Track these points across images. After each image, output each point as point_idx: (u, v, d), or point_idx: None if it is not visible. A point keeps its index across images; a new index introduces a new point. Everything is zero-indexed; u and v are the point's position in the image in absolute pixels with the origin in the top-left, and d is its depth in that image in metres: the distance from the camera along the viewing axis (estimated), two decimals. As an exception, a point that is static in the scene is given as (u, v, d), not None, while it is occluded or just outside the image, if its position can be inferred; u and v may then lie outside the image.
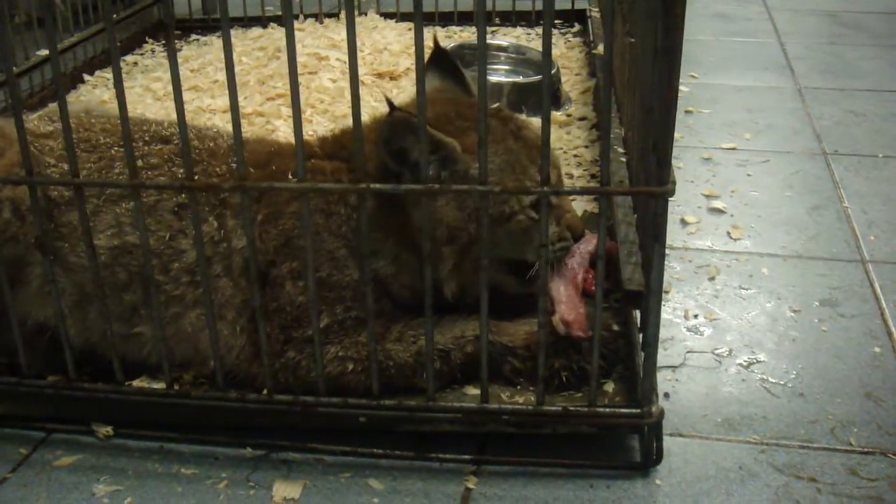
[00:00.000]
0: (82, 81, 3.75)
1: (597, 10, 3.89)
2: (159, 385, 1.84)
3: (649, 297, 1.61)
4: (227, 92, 3.58)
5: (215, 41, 4.23)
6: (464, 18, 4.33)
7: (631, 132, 2.32)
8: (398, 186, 1.67)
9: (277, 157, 1.90)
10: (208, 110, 3.25)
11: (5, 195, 1.82)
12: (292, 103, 1.51)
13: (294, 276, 1.79)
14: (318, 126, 3.06)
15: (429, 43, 1.68)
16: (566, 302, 1.82)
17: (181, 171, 1.80)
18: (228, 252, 1.81)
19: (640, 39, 2.06)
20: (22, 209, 1.82)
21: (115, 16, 3.88)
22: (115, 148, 1.89)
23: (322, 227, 1.81)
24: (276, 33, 4.15)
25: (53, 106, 2.40)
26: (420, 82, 1.47)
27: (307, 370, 1.79)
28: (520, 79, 3.37)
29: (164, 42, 4.32)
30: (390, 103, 1.67)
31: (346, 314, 1.80)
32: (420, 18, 1.41)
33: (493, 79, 3.25)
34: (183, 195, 1.82)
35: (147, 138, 1.92)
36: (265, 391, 1.77)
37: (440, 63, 2.03)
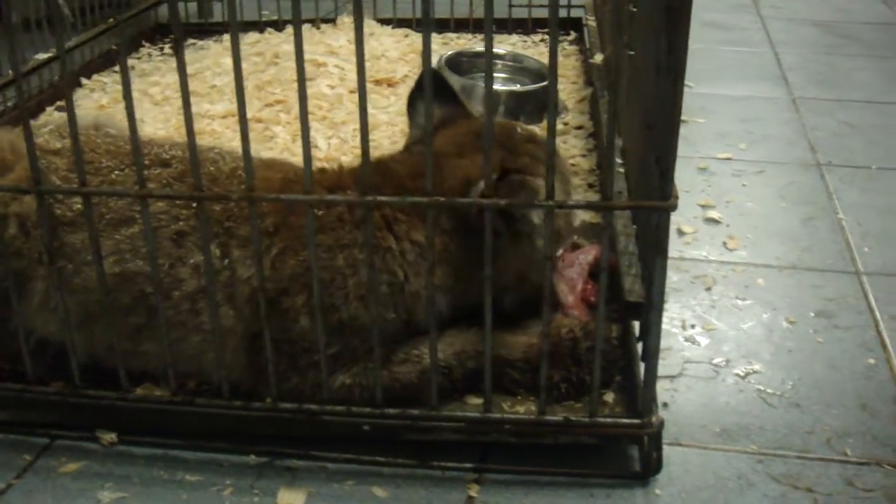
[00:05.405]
0: (79, 86, 3.74)
1: (593, 19, 3.90)
2: (163, 393, 1.85)
3: (651, 309, 1.64)
4: (224, 97, 3.54)
5: (212, 45, 4.23)
6: (460, 25, 4.34)
7: (629, 143, 2.34)
8: (404, 199, 1.68)
9: (294, 185, 1.81)
10: (207, 116, 3.24)
11: (12, 210, 1.83)
12: (300, 111, 1.53)
13: (312, 313, 1.72)
14: (317, 133, 3.07)
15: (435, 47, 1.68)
16: (573, 306, 1.97)
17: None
18: (231, 281, 1.78)
19: (641, 52, 2.09)
20: (27, 225, 1.82)
21: (111, 20, 3.90)
22: (117, 172, 1.88)
23: (362, 261, 1.76)
24: (274, 38, 4.15)
25: (62, 117, 2.38)
26: (428, 99, 1.48)
27: (311, 396, 1.79)
28: (517, 87, 3.39)
29: (160, 46, 4.33)
30: (504, 168, 1.73)
31: (362, 345, 1.78)
32: (429, 27, 1.43)
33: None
34: (181, 223, 1.81)
35: (147, 162, 1.87)
36: (269, 399, 1.79)
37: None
